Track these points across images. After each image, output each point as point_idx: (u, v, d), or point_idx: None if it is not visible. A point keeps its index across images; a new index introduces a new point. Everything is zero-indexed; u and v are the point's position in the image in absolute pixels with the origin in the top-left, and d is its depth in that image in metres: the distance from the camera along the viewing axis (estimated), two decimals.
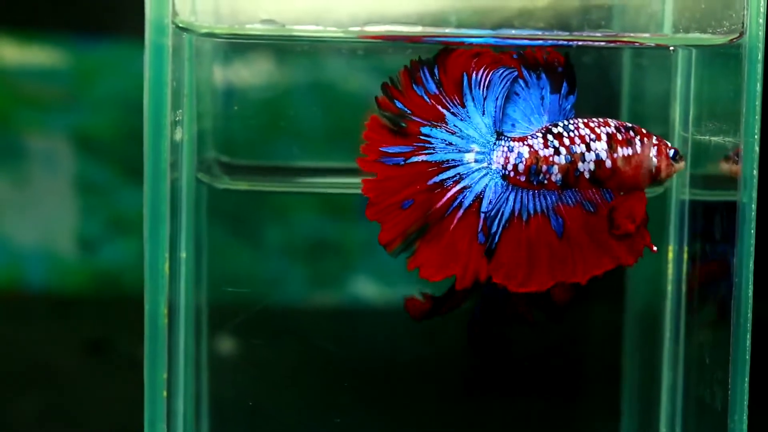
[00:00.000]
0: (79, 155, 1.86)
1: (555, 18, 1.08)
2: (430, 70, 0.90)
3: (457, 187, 0.90)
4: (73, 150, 1.86)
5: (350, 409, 1.19)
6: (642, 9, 1.07)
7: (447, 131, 0.89)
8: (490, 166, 0.90)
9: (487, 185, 0.90)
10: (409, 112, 0.89)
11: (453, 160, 0.90)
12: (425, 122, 0.89)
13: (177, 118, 0.96)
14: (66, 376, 1.60)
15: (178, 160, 1.00)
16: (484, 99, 0.90)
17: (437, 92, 0.90)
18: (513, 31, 1.03)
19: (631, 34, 1.06)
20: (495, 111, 0.90)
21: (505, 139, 0.91)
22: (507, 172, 0.91)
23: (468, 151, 0.90)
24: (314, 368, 1.19)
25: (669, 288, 1.08)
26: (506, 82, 0.90)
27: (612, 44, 1.07)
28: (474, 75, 0.90)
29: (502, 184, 0.91)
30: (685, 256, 1.07)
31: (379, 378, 1.14)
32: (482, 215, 0.90)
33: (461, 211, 0.89)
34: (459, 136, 0.89)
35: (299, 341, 1.17)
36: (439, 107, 0.89)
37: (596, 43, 1.04)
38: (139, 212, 0.92)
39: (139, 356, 0.95)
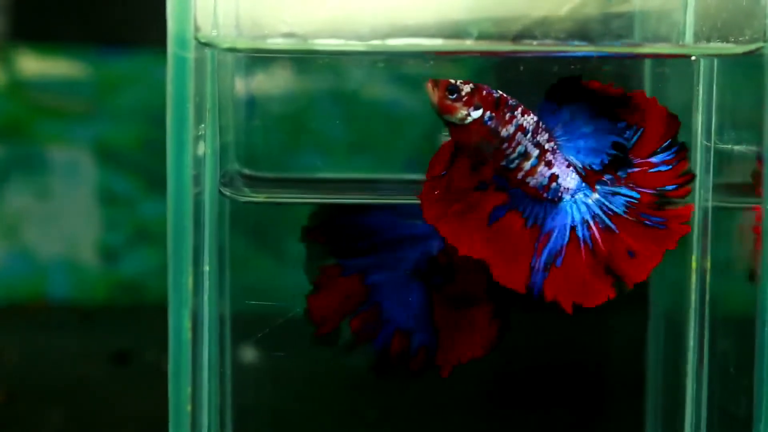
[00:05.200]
0: (101, 166, 1.87)
1: (576, 27, 1.07)
2: None
3: None
4: (95, 161, 1.87)
5: (374, 420, 1.19)
6: (663, 18, 1.07)
7: None
8: None
9: None
10: None
11: None
12: None
13: (200, 133, 0.96)
14: (91, 386, 1.60)
15: (200, 174, 1.00)
16: None
17: None
18: (534, 42, 1.03)
19: (653, 44, 1.06)
20: None
21: None
22: None
23: None
24: (338, 380, 1.19)
25: (693, 297, 1.07)
26: None
27: (634, 56, 1.07)
28: None
29: None
30: (709, 264, 1.06)
31: (402, 389, 1.14)
32: None
33: None
34: None
35: (322, 352, 1.17)
36: None
37: (618, 54, 1.04)
38: (162, 222, 0.92)
39: (164, 366, 0.95)
